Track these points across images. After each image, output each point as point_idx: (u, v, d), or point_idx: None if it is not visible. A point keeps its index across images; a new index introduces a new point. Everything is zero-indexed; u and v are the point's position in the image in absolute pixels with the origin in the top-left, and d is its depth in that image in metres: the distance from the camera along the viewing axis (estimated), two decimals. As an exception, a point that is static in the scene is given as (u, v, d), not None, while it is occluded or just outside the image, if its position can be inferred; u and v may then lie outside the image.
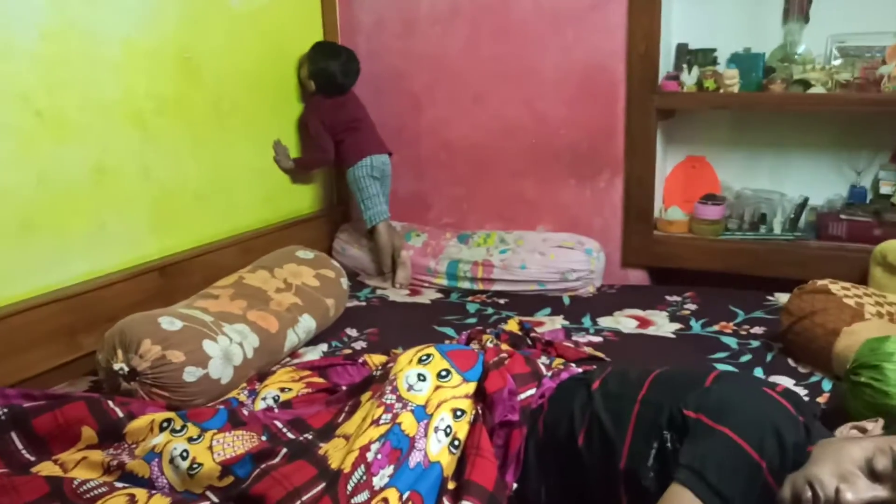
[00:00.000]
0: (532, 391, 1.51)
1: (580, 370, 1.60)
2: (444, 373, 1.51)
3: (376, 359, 2.09)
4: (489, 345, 2.04)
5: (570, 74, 2.90)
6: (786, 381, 2.00)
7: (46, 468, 1.60)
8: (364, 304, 2.76)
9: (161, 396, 1.83)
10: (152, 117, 2.39)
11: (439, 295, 2.87)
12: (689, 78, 2.75)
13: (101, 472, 1.59)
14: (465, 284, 2.88)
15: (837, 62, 2.65)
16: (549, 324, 2.50)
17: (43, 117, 2.06)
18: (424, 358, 1.54)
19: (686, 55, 2.86)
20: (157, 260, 2.42)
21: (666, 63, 2.86)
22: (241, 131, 2.77)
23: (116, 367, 1.83)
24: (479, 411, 1.46)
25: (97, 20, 2.20)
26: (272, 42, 2.90)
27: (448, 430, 1.43)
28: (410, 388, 1.48)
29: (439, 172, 3.19)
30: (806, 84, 2.61)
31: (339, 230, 3.21)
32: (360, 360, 2.07)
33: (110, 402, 1.71)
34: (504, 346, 2.04)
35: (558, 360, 2.08)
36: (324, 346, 2.34)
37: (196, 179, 2.58)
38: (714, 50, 2.82)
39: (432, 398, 1.46)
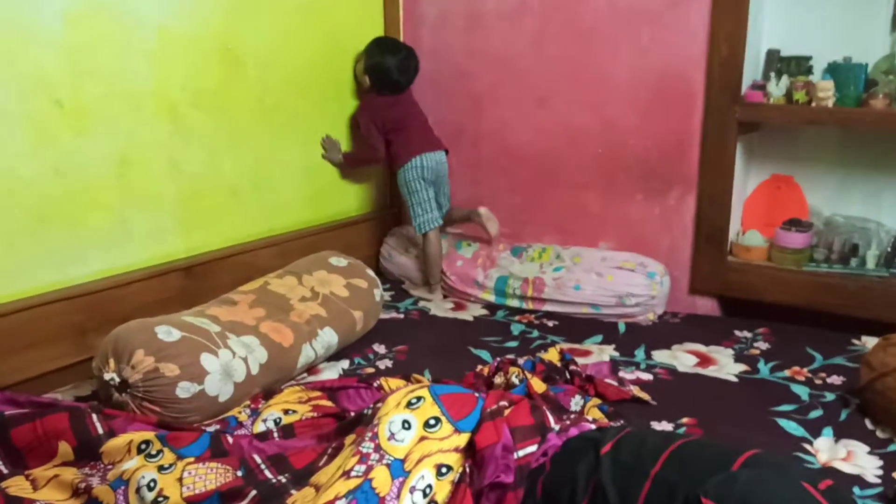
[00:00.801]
0: (533, 448, 1.30)
1: (593, 426, 1.37)
2: (432, 421, 1.32)
3: (393, 383, 1.92)
4: (514, 379, 1.83)
5: (643, 79, 2.64)
6: (859, 448, 1.72)
7: (16, 484, 1.51)
8: (402, 316, 2.59)
9: (152, 411, 1.71)
10: (187, 110, 2.28)
11: (484, 311, 2.66)
12: (778, 89, 2.45)
13: (69, 493, 1.49)
14: (514, 302, 2.66)
15: (952, 77, 2.31)
16: (597, 354, 2.27)
17: (63, 107, 1.97)
18: (414, 401, 1.35)
19: (776, 62, 2.55)
20: (183, 259, 2.31)
21: (753, 70, 2.56)
22: (286, 128, 2.64)
23: (107, 376, 1.72)
24: (467, 469, 1.26)
25: (130, 5, 2.10)
26: (327, 35, 2.76)
27: (427, 491, 1.24)
28: (392, 436, 1.29)
29: (498, 179, 2.98)
30: (913, 100, 2.28)
31: (388, 234, 3.05)
32: (376, 384, 1.91)
33: (94, 416, 1.61)
34: (534, 380, 1.83)
35: (594, 401, 1.86)
36: (345, 363, 2.18)
37: (232, 176, 2.46)
38: (809, 58, 2.51)
39: (414, 451, 1.27)
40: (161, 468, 1.45)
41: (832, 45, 2.48)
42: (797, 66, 2.52)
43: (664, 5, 2.56)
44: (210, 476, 1.43)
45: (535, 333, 2.44)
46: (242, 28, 2.42)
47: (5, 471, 1.55)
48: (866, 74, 2.41)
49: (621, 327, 2.50)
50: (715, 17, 2.47)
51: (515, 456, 1.27)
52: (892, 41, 2.41)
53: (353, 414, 1.72)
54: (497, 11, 2.85)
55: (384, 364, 2.18)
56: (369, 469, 1.25)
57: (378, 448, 1.28)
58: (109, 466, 1.54)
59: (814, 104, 2.41)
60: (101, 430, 1.58)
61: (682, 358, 2.26)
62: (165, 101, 2.22)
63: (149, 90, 2.17)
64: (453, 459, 1.29)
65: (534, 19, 2.80)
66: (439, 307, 2.69)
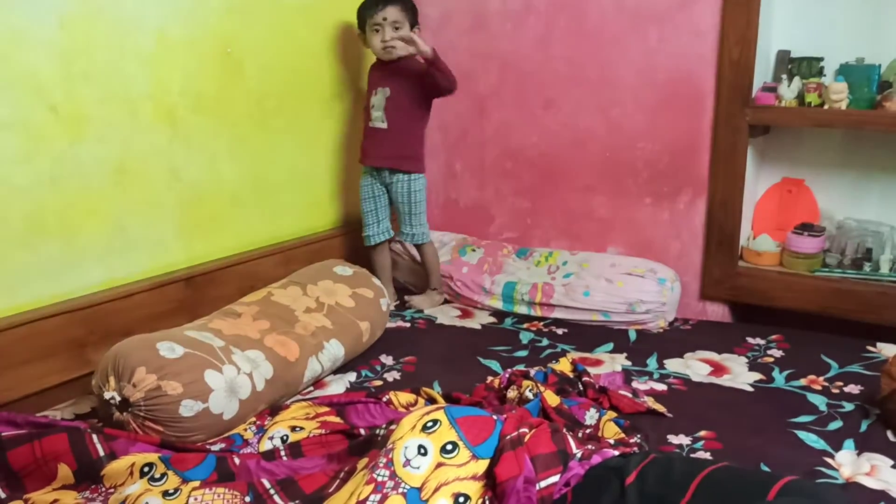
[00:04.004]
0: (555, 478, 1.24)
1: (615, 453, 1.32)
2: (449, 446, 1.26)
3: (403, 397, 1.87)
4: (528, 394, 1.78)
5: (651, 81, 2.59)
6: (883, 462, 1.67)
7: (13, 510, 1.45)
8: (408, 324, 2.53)
9: (155, 431, 1.65)
10: (186, 115, 2.22)
11: (492, 319, 2.61)
12: (789, 91, 2.40)
13: (68, 519, 1.43)
14: (522, 309, 2.61)
15: (969, 78, 2.26)
16: (609, 363, 2.22)
17: (58, 112, 1.91)
18: (430, 424, 1.29)
19: (787, 64, 2.50)
20: (184, 269, 2.25)
21: (763, 72, 2.51)
22: (287, 132, 2.58)
23: (107, 395, 1.66)
24: (486, 502, 1.20)
25: (128, 8, 2.04)
26: (326, 37, 2.70)
27: (445, 522, 1.19)
28: (407, 462, 1.24)
29: (503, 182, 2.93)
30: (929, 103, 2.23)
31: (393, 240, 2.98)
32: (385, 399, 1.85)
33: (94, 437, 1.55)
34: (547, 393, 1.77)
35: (609, 414, 1.81)
36: (352, 376, 2.12)
37: (233, 182, 2.40)
38: (821, 59, 2.46)
39: (431, 479, 1.22)
40: (166, 493, 1.39)
41: (844, 46, 2.44)
42: (808, 67, 2.47)
43: (673, 5, 2.50)
44: (217, 502, 1.38)
45: (545, 342, 2.39)
46: (242, 31, 2.36)
47: (3, 495, 1.49)
48: (880, 76, 2.36)
49: (632, 335, 2.45)
50: (725, 17, 2.42)
51: (537, 487, 1.22)
52: (906, 42, 2.36)
53: (362, 430, 1.67)
54: (501, 12, 2.80)
55: (392, 376, 2.13)
56: (384, 498, 1.20)
57: (393, 475, 1.23)
58: (111, 490, 1.49)
59: (826, 106, 2.36)
60: (101, 452, 1.53)
61: (695, 367, 2.21)
62: (164, 106, 2.16)
63: (147, 95, 2.11)
64: (472, 489, 1.24)
65: (539, 20, 2.74)
66: (446, 315, 2.63)
